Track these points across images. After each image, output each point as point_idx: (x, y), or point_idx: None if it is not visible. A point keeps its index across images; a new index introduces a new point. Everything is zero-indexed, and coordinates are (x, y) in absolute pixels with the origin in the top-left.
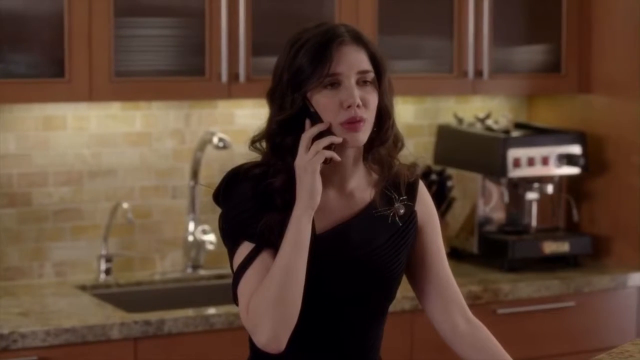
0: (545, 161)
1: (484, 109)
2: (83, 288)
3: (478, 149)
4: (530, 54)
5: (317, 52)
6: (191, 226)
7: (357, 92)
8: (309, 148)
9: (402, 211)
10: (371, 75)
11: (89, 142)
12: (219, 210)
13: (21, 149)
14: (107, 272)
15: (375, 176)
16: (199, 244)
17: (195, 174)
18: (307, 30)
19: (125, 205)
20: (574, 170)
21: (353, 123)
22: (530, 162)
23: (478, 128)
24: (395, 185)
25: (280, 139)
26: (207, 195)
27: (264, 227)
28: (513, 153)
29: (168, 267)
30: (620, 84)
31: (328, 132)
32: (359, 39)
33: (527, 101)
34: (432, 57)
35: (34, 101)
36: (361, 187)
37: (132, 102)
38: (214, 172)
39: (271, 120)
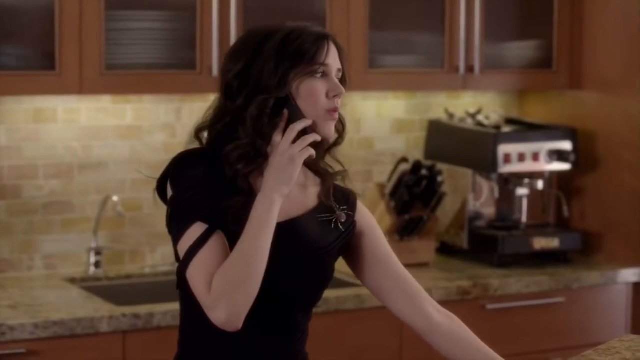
0: (535, 157)
1: (475, 105)
2: (72, 281)
3: (469, 145)
4: (522, 49)
5: (314, 42)
6: None
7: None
8: (294, 140)
9: (343, 219)
10: (340, 75)
11: (80, 135)
12: None
13: (11, 141)
14: (97, 265)
15: (312, 179)
16: None
17: None
18: (281, 25)
19: (115, 198)
20: (564, 166)
21: (331, 115)
22: (521, 157)
23: (469, 123)
24: (334, 194)
25: (266, 120)
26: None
27: (221, 209)
28: (504, 149)
29: (158, 260)
30: (611, 80)
31: (305, 129)
32: (336, 42)
33: (518, 97)
34: (423, 52)
35: (25, 94)
36: (304, 186)
37: (122, 95)
38: None
39: (265, 100)
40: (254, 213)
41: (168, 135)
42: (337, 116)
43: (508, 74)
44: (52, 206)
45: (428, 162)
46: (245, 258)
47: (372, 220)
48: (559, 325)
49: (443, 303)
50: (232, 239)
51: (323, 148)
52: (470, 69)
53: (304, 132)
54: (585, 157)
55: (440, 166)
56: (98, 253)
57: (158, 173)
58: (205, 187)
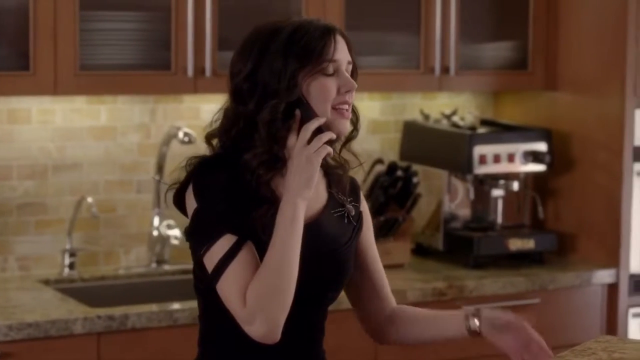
0: (511, 158)
1: (450, 106)
2: (46, 282)
3: (444, 146)
4: (497, 50)
5: (320, 40)
6: (156, 221)
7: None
8: (309, 141)
9: (353, 212)
10: (351, 69)
11: (54, 136)
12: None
13: None
14: (71, 266)
15: (320, 173)
16: (164, 239)
17: (160, 169)
18: (287, 21)
19: (89, 199)
20: (539, 168)
21: (345, 111)
22: (496, 159)
23: (444, 124)
24: (339, 186)
25: (280, 125)
26: (173, 190)
27: (250, 219)
28: (479, 150)
29: (132, 261)
30: (586, 81)
31: (319, 127)
32: (343, 34)
33: (494, 98)
34: (398, 53)
35: None
36: (317, 183)
37: (97, 96)
38: (178, 166)
39: (276, 105)
40: (280, 221)
41: (142, 136)
42: (350, 111)
43: (483, 74)
44: (26, 207)
45: (403, 163)
46: (277, 269)
47: (368, 216)
48: (535, 326)
49: (418, 304)
50: (262, 248)
51: (339, 143)
52: (445, 69)
53: (318, 131)
54: (560, 159)
55: (416, 167)
56: (72, 254)
57: (135, 175)
58: (229, 196)
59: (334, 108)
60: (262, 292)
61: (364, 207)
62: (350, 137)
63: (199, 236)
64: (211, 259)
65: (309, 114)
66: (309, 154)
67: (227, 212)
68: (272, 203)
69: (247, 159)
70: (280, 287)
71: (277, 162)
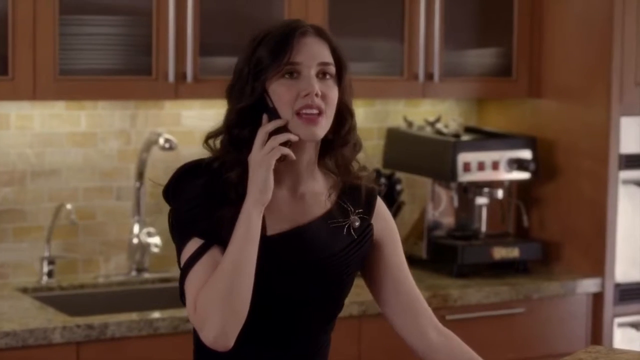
0: (495, 166)
1: (434, 113)
2: (24, 291)
3: (428, 153)
4: (481, 57)
5: (277, 42)
6: (136, 228)
7: (316, 83)
8: (264, 143)
9: (357, 224)
10: (332, 69)
11: (33, 142)
12: (164, 212)
13: None
14: (50, 274)
15: (331, 181)
16: (144, 247)
17: (140, 175)
18: (271, 26)
19: (68, 206)
20: (524, 175)
21: (310, 116)
22: (480, 166)
23: (428, 132)
24: (351, 195)
25: (237, 131)
26: (153, 197)
27: (214, 222)
28: (463, 157)
29: (112, 270)
30: (570, 89)
31: (284, 129)
32: (321, 33)
33: (478, 105)
34: (382, 59)
35: None
36: (315, 191)
37: (76, 101)
38: (159, 173)
39: (230, 112)
40: (236, 226)
41: (123, 142)
42: (316, 120)
43: (467, 81)
44: (4, 214)
45: (387, 171)
46: (227, 274)
47: (391, 227)
48: (519, 336)
49: None
50: None
51: (329, 148)
52: (429, 76)
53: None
54: (545, 166)
55: (399, 175)
56: (51, 262)
57: (115, 181)
58: (202, 201)
59: (297, 113)
60: (211, 298)
61: (382, 219)
62: (342, 143)
63: (175, 238)
64: (181, 262)
65: (274, 118)
66: (261, 157)
67: (195, 214)
68: (235, 205)
69: (217, 163)
70: (230, 292)
71: (238, 165)
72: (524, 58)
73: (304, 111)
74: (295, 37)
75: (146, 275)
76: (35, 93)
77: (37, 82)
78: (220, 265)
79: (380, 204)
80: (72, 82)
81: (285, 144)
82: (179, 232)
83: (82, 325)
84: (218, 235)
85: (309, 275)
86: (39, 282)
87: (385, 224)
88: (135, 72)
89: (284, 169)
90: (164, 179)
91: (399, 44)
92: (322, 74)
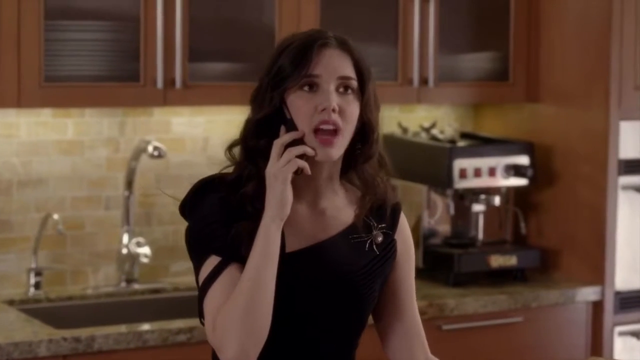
0: (492, 172)
1: (429, 118)
2: (11, 303)
3: (423, 160)
4: (477, 61)
5: (298, 53)
6: (125, 238)
7: (334, 97)
8: (280, 155)
9: (380, 239)
10: (353, 84)
11: (19, 151)
12: (154, 222)
13: None
14: (37, 286)
15: (354, 196)
16: (133, 257)
17: (129, 184)
18: (295, 34)
19: (55, 216)
20: (521, 182)
21: (326, 137)
22: (477, 173)
23: (423, 138)
24: (375, 210)
25: (254, 142)
26: (142, 206)
27: (232, 238)
28: (459, 163)
29: (101, 281)
30: (569, 93)
31: (301, 141)
32: (344, 44)
33: (474, 110)
34: (376, 64)
35: None
36: (337, 206)
37: (63, 108)
38: (149, 181)
39: (247, 122)
40: (255, 243)
41: (111, 150)
42: (332, 141)
43: (463, 86)
44: None
45: (386, 176)
46: (246, 292)
47: (409, 249)
48: (518, 346)
49: None
50: None
51: (353, 162)
52: (424, 81)
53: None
54: (543, 172)
55: (394, 182)
56: (38, 273)
57: (103, 190)
58: (220, 217)
59: (314, 130)
60: (230, 317)
61: (403, 236)
62: (366, 156)
63: (193, 256)
64: (199, 281)
65: (292, 130)
66: (276, 170)
67: (212, 231)
68: (253, 219)
69: (233, 176)
70: (249, 313)
71: (254, 178)
72: (520, 62)
73: (320, 127)
74: (316, 48)
75: (136, 286)
76: (20, 100)
77: (22, 89)
78: (239, 284)
79: (404, 221)
80: (57, 89)
81: (302, 156)
82: (196, 250)
83: (69, 338)
84: (236, 252)
85: (330, 292)
86: (26, 294)
87: (405, 242)
88: (123, 79)
89: (303, 183)
90: (153, 188)
91: (392, 48)
92: (342, 88)
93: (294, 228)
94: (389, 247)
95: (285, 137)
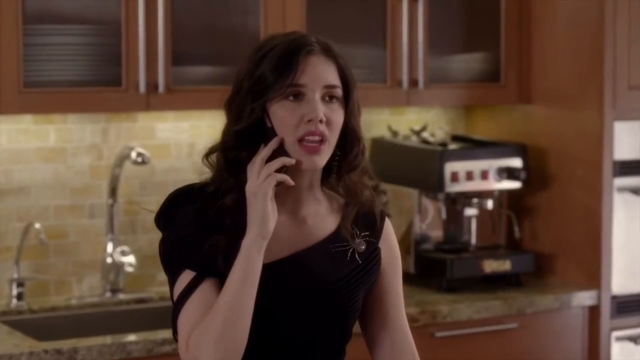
0: (484, 175)
1: (420, 121)
2: None
3: (413, 163)
4: (468, 62)
5: (281, 60)
6: (110, 247)
7: (321, 107)
8: (260, 172)
9: (362, 247)
10: (339, 92)
11: None
12: (139, 230)
13: None
14: (19, 297)
15: (336, 204)
16: (118, 266)
17: (113, 192)
18: (275, 37)
19: (37, 225)
20: (514, 185)
21: (313, 144)
22: (469, 176)
23: (413, 141)
24: (358, 218)
25: (234, 154)
26: (127, 214)
27: (207, 252)
28: (450, 167)
29: (85, 291)
30: (562, 93)
31: (282, 150)
32: (329, 51)
33: (465, 112)
34: (363, 66)
35: None
36: (319, 214)
37: (43, 114)
38: (133, 189)
39: (227, 131)
40: (235, 264)
41: (94, 157)
42: (318, 149)
43: (454, 88)
44: None
45: (371, 182)
46: (222, 315)
47: (394, 257)
48: (513, 353)
49: None
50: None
51: (340, 170)
52: (414, 83)
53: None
54: (536, 175)
55: (384, 186)
56: (20, 284)
57: (87, 199)
58: (195, 229)
59: (299, 140)
60: (204, 339)
61: (388, 244)
62: (351, 167)
63: (166, 270)
64: (174, 297)
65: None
66: (255, 188)
67: (186, 244)
68: (231, 233)
69: (212, 187)
70: (225, 337)
71: (234, 190)
72: (512, 62)
73: (306, 138)
74: (301, 56)
75: (121, 296)
76: None
77: (1, 96)
78: (215, 304)
79: (388, 225)
80: (37, 95)
81: (281, 169)
82: (170, 264)
83: (50, 351)
84: (211, 267)
85: (309, 304)
86: (8, 306)
87: (390, 250)
88: (104, 83)
89: (283, 192)
90: (138, 196)
91: (380, 49)
92: (328, 97)
93: (273, 237)
94: (373, 255)
95: (264, 152)
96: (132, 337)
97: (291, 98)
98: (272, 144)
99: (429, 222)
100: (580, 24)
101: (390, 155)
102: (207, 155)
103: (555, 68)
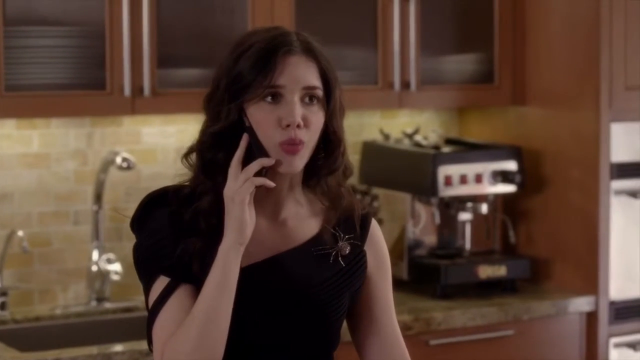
0: (478, 179)
1: (412, 124)
2: None
3: (406, 167)
4: (461, 63)
5: (260, 59)
6: (95, 255)
7: (299, 110)
8: (238, 175)
9: (347, 250)
10: (319, 93)
11: None
12: (125, 237)
13: None
14: (2, 307)
15: (318, 206)
16: (104, 274)
17: (98, 198)
18: (256, 33)
19: (20, 233)
20: (509, 188)
21: (291, 145)
22: (463, 180)
23: (406, 144)
24: (342, 221)
25: (211, 155)
26: (112, 220)
27: (180, 257)
28: (444, 170)
29: (70, 300)
30: (557, 95)
31: (260, 148)
32: (310, 51)
33: (458, 115)
34: (354, 68)
35: None
36: (299, 217)
37: (26, 119)
38: (119, 195)
39: (204, 131)
40: (212, 271)
41: (79, 162)
42: (296, 150)
43: (447, 89)
44: None
45: (363, 187)
46: (198, 324)
47: (383, 259)
48: None
49: None
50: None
51: (317, 174)
52: (406, 85)
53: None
54: (531, 178)
55: (376, 191)
56: (3, 293)
57: (71, 205)
58: (168, 233)
59: (280, 143)
60: (179, 350)
61: (376, 248)
62: (331, 169)
63: (140, 277)
64: (148, 304)
65: (255, 145)
66: (232, 192)
67: (160, 250)
68: (207, 236)
69: (187, 190)
70: (201, 346)
71: (211, 192)
72: (506, 63)
73: (285, 141)
74: (280, 55)
75: (107, 305)
76: None
77: None
78: (191, 313)
79: (375, 227)
80: (19, 99)
81: (261, 170)
82: (143, 270)
83: None
84: (186, 272)
85: (288, 307)
86: None
87: (378, 253)
88: (88, 87)
89: (263, 194)
90: (123, 201)
91: (371, 50)
92: (307, 98)
93: (252, 240)
94: (358, 258)
95: (237, 154)
96: (118, 348)
97: (269, 99)
98: (243, 143)
99: (422, 227)
100: (575, 23)
101: (382, 159)
102: (186, 155)
103: (550, 68)
